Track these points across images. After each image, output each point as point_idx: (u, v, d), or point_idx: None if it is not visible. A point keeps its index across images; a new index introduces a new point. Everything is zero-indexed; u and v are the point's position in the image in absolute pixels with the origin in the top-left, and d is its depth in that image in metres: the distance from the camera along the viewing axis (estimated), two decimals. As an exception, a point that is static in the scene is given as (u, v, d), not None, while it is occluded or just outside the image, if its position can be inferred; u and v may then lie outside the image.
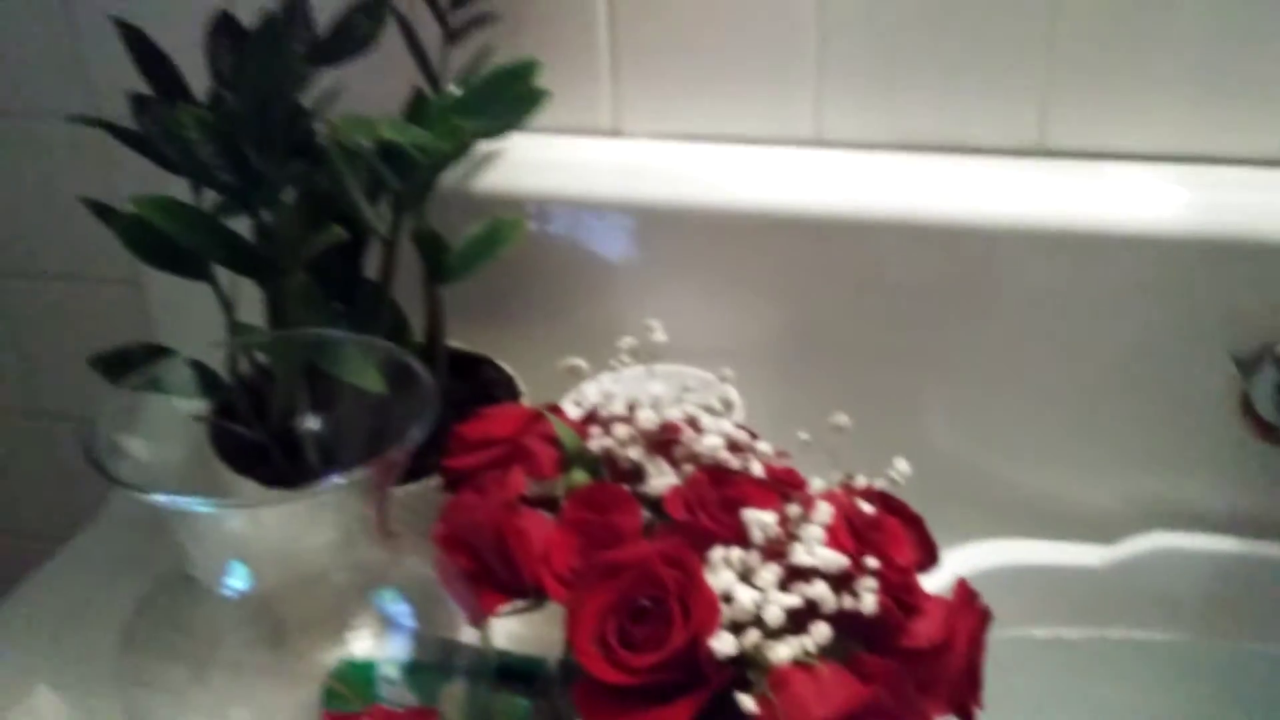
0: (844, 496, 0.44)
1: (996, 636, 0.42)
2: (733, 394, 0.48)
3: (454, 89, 0.52)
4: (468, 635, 0.41)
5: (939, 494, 0.45)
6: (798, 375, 0.57)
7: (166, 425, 0.41)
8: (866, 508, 0.43)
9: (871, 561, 0.40)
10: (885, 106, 0.57)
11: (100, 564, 0.62)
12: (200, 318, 0.51)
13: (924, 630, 0.41)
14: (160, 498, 0.32)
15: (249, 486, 0.43)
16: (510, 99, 0.47)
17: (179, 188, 0.48)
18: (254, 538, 0.37)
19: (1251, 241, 0.51)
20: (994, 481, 0.57)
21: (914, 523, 0.45)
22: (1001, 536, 0.54)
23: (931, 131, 0.57)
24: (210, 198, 0.48)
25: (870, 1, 0.55)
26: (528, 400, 0.55)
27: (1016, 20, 0.54)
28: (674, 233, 0.57)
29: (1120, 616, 0.51)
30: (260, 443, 0.45)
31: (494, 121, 0.46)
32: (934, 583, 0.44)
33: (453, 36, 0.54)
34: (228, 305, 0.48)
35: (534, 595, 0.42)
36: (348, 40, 0.47)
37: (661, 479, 0.44)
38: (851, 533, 0.42)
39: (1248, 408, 0.51)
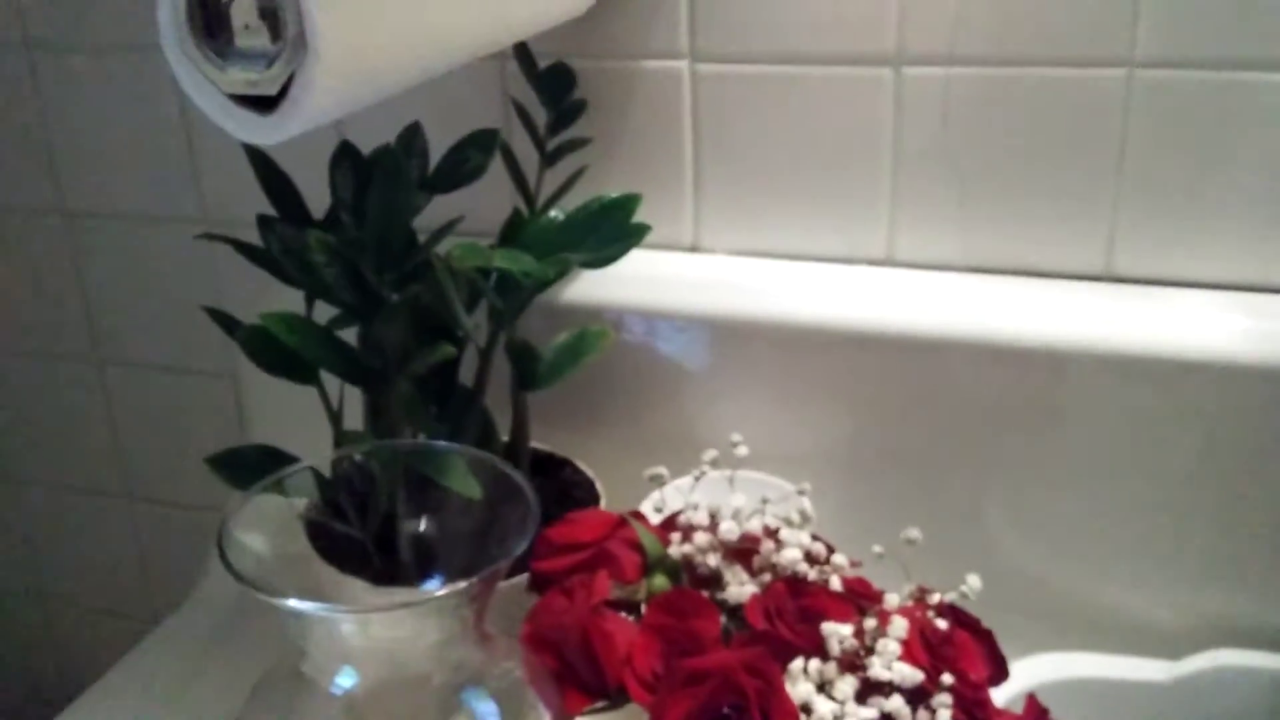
0: (918, 610, 0.45)
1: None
2: (810, 506, 0.50)
3: (554, 214, 0.56)
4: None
5: (1003, 605, 0.47)
6: (867, 486, 0.59)
7: (268, 517, 0.44)
8: (940, 622, 0.45)
9: (946, 677, 0.42)
10: (956, 230, 0.60)
11: (191, 646, 0.65)
12: (291, 412, 0.54)
13: (997, 746, 0.42)
14: (293, 603, 0.35)
15: (352, 584, 0.46)
16: (612, 231, 0.50)
17: (289, 294, 0.52)
18: (362, 637, 0.39)
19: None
20: (1058, 595, 0.58)
21: (985, 637, 0.46)
22: (1065, 649, 0.54)
23: (1001, 255, 0.59)
24: (321, 307, 0.51)
25: (944, 130, 0.58)
26: (605, 502, 0.57)
27: (1085, 150, 0.56)
28: (749, 345, 0.60)
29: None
30: (360, 542, 0.47)
31: (598, 253, 0.50)
32: (1001, 694, 0.45)
33: (550, 160, 0.58)
34: (335, 412, 0.51)
35: (615, 697, 0.44)
36: (459, 171, 0.51)
37: (740, 587, 0.46)
38: (925, 647, 0.44)
39: (1315, 531, 0.52)
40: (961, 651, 0.45)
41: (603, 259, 0.50)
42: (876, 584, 0.47)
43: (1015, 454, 0.57)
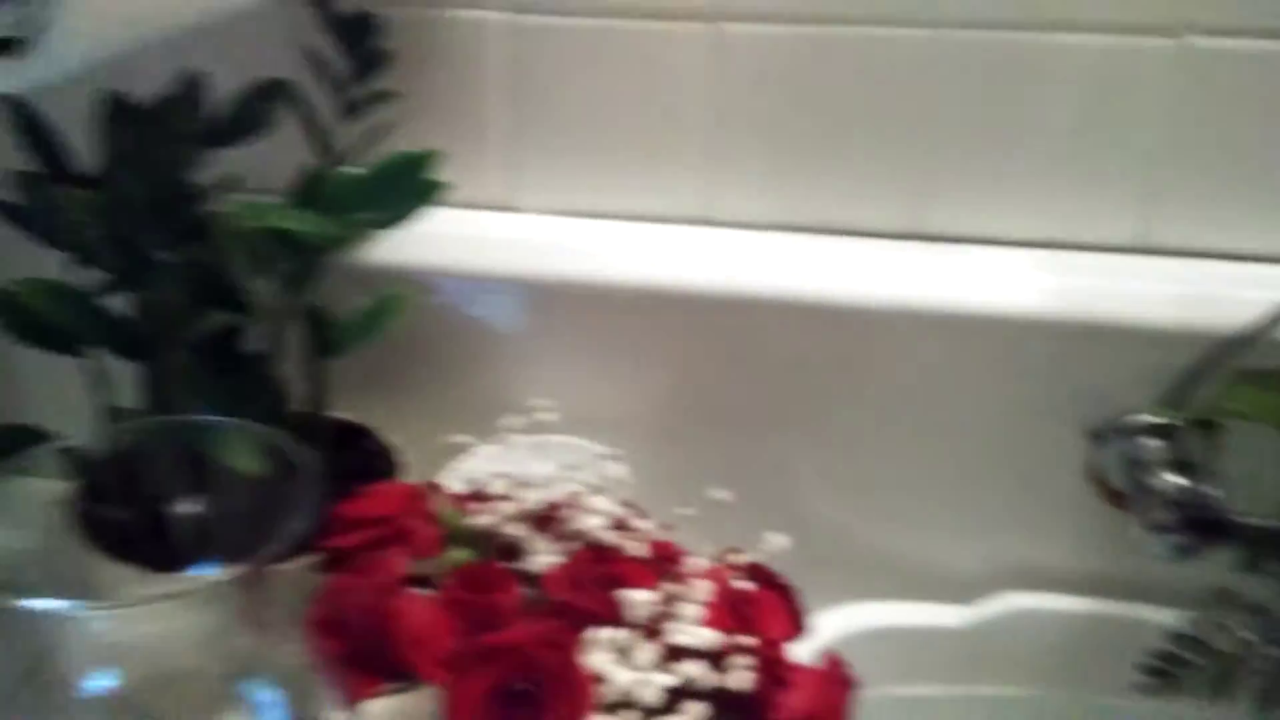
0: (722, 571, 0.45)
1: (864, 697, 0.44)
2: (619, 471, 0.50)
3: (352, 168, 0.53)
4: None
5: (816, 559, 0.47)
6: (684, 446, 0.59)
7: (22, 504, 0.41)
8: (743, 583, 0.45)
9: (745, 639, 0.42)
10: (771, 188, 0.59)
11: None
12: (72, 388, 0.50)
13: (795, 702, 0.43)
14: (30, 603, 0.32)
15: (118, 571, 0.43)
16: (407, 189, 0.48)
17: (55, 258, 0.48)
18: (122, 633, 0.37)
19: (1103, 324, 0.54)
20: (867, 546, 0.59)
21: (786, 594, 0.47)
22: (873, 599, 0.56)
23: (816, 213, 0.60)
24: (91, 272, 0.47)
25: (758, 88, 0.57)
26: (416, 472, 0.55)
27: (899, 110, 0.57)
28: (565, 307, 0.58)
29: (979, 674, 0.54)
30: (132, 526, 0.44)
31: (387, 213, 0.47)
32: (806, 647, 0.46)
33: (351, 111, 0.55)
34: (101, 386, 0.47)
35: (412, 677, 0.42)
36: (244, 124, 0.48)
37: (544, 556, 0.45)
38: (728, 608, 0.44)
39: (1098, 476, 0.55)
40: (763, 611, 0.45)
41: (392, 219, 0.48)
42: (695, 546, 0.46)
43: (829, 410, 0.58)
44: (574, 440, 0.54)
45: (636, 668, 0.41)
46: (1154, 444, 0.52)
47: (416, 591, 0.44)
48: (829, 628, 0.52)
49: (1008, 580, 0.56)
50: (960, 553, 0.58)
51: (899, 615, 0.54)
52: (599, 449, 0.53)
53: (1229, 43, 0.54)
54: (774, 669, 0.43)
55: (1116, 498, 0.55)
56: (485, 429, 0.51)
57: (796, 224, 0.60)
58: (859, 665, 0.45)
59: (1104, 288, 0.55)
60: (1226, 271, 0.56)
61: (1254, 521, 0.48)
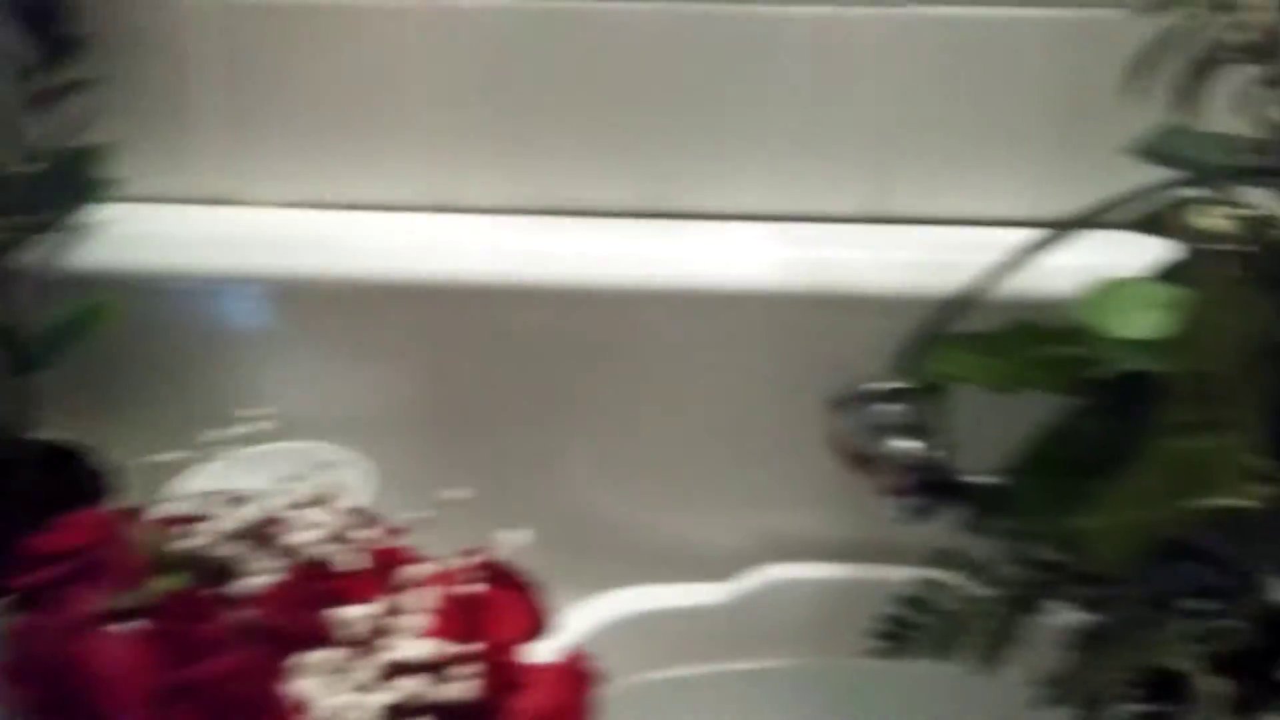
0: (452, 575, 0.44)
1: (621, 684, 0.44)
2: (352, 476, 0.48)
3: (30, 167, 0.48)
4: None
5: (581, 548, 0.47)
6: (436, 444, 0.58)
7: None
8: (472, 586, 0.44)
9: (465, 646, 0.41)
10: (508, 171, 0.58)
11: None
12: None
13: (529, 704, 0.42)
14: None
15: None
16: (70, 188, 0.44)
17: None
18: None
19: (841, 293, 0.56)
20: (627, 531, 0.59)
21: (523, 592, 0.46)
22: (637, 583, 0.56)
23: (553, 195, 0.58)
24: None
25: (489, 67, 0.56)
26: (139, 494, 0.52)
27: (630, 88, 0.56)
28: (298, 304, 0.56)
29: (740, 649, 0.55)
30: None
31: (46, 215, 0.43)
32: (553, 644, 0.45)
33: (39, 102, 0.50)
34: None
35: (113, 721, 0.39)
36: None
37: (260, 578, 0.43)
38: (456, 614, 0.43)
39: (840, 444, 0.56)
40: (496, 614, 0.44)
41: (49, 222, 0.44)
42: (444, 549, 0.45)
43: (580, 396, 0.57)
44: (308, 446, 0.52)
45: (353, 688, 0.39)
46: (888, 410, 0.53)
47: (117, 627, 0.41)
48: (583, 620, 0.51)
49: (765, 553, 0.57)
50: (718, 529, 0.59)
51: (657, 599, 0.54)
52: (336, 455, 0.51)
53: (953, 10, 0.55)
54: (505, 672, 0.42)
55: (858, 464, 0.56)
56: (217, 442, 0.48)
57: (535, 206, 0.59)
58: (617, 654, 0.44)
59: (841, 257, 0.56)
60: (958, 237, 0.58)
61: (976, 480, 0.50)
